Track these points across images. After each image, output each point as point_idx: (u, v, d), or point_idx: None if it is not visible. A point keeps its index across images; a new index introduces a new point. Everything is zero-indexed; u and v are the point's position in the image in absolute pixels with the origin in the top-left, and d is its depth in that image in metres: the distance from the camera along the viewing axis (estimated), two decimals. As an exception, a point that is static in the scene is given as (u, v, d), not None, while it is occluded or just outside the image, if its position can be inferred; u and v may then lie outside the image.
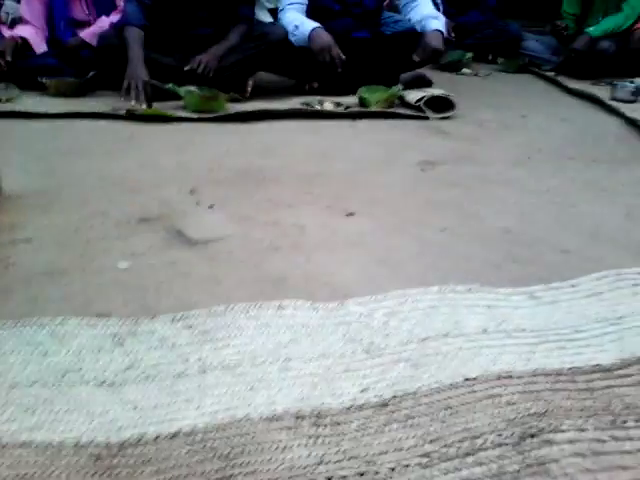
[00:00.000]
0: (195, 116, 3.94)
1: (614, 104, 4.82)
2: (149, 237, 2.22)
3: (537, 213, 2.68)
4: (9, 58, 4.36)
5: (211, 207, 2.54)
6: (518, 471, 1.23)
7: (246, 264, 2.07)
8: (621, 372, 1.61)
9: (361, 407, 1.38)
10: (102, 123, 3.84)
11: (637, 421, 1.41)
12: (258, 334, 1.64)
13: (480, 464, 1.24)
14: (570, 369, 1.60)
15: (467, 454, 1.26)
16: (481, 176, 3.15)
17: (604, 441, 1.36)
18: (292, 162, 3.23)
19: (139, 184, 2.76)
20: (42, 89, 4.33)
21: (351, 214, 2.56)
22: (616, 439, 1.36)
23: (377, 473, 1.18)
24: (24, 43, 4.57)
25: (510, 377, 1.53)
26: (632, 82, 5.09)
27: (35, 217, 2.33)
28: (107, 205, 2.49)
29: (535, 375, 1.55)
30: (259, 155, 3.32)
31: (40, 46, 4.67)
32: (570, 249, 2.31)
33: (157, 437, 1.23)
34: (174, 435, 1.23)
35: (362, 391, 1.45)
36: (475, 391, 1.47)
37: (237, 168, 3.08)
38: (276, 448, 1.23)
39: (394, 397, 1.43)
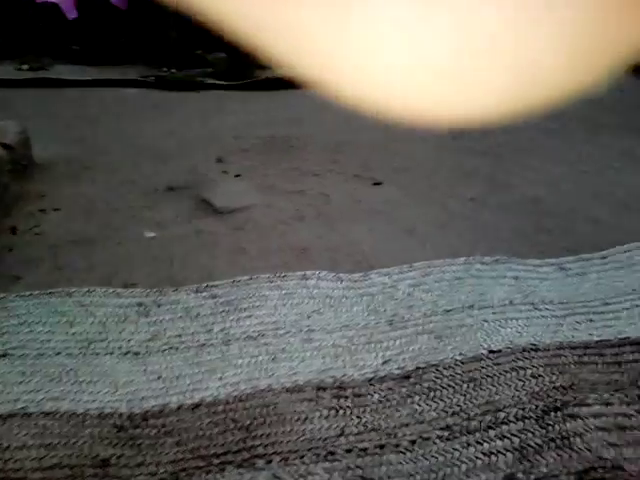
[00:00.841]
0: (223, 83, 3.91)
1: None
2: (176, 206, 2.23)
3: (568, 182, 2.61)
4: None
5: (238, 176, 2.54)
6: (541, 445, 1.21)
7: (270, 234, 2.06)
8: (651, 346, 1.58)
9: (383, 379, 1.38)
10: (131, 91, 3.85)
11: (665, 396, 1.39)
12: (281, 305, 1.64)
13: (502, 438, 1.23)
14: (598, 342, 1.57)
15: (489, 427, 1.25)
16: (512, 144, 3.07)
17: (631, 415, 1.33)
18: (319, 131, 3.19)
19: (166, 153, 2.77)
20: (72, 57, 4.34)
21: (377, 183, 2.53)
22: (643, 414, 1.34)
23: (397, 446, 1.18)
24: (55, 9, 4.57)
25: (536, 350, 1.50)
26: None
27: (64, 186, 2.36)
28: (134, 174, 2.51)
29: (561, 348, 1.53)
30: (286, 123, 3.29)
31: (71, 12, 4.66)
32: (601, 219, 2.25)
33: (179, 408, 1.24)
34: (196, 406, 1.25)
35: (384, 363, 1.44)
36: (499, 364, 1.45)
37: (264, 136, 3.06)
38: (297, 420, 1.23)
39: (416, 369, 1.42)
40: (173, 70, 4.03)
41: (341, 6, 0.14)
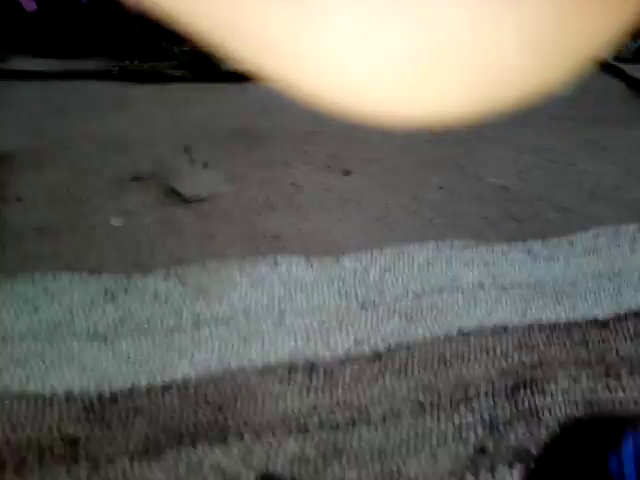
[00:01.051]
0: (189, 75, 3.87)
1: (616, 64, 4.74)
2: (142, 195, 2.19)
3: (536, 171, 2.65)
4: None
5: (205, 165, 2.51)
6: (510, 419, 1.23)
7: (240, 222, 2.05)
8: (616, 325, 1.61)
9: (355, 359, 1.38)
10: (94, 84, 3.78)
11: (630, 372, 1.41)
12: (252, 289, 1.63)
13: (472, 411, 1.24)
14: (566, 323, 1.60)
15: (459, 402, 1.26)
16: (480, 135, 3.10)
17: (597, 390, 1.36)
18: (288, 121, 3.18)
19: (132, 143, 2.72)
20: (33, 50, 4.25)
21: (347, 172, 2.53)
22: (609, 389, 1.36)
23: (369, 420, 1.17)
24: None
25: (505, 330, 1.52)
26: (635, 42, 5.00)
27: (26, 176, 2.30)
28: (99, 164, 2.46)
29: (531, 328, 1.55)
30: (254, 114, 3.27)
31: (30, 5, 4.57)
32: (569, 207, 2.28)
33: (149, 388, 1.22)
34: (167, 386, 1.23)
35: (356, 343, 1.44)
36: (469, 344, 1.46)
37: (232, 127, 3.03)
38: (269, 398, 1.22)
39: (388, 349, 1.42)
40: (137, 62, 3.97)
41: (303, 4, 0.14)
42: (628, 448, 0.59)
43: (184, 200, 2.17)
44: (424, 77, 0.15)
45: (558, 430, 0.67)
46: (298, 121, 3.21)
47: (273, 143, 2.83)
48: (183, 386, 1.23)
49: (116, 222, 1.96)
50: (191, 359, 1.33)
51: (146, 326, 1.44)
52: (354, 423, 1.16)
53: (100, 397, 1.18)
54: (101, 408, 1.15)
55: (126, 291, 1.56)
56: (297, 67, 0.16)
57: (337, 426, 1.15)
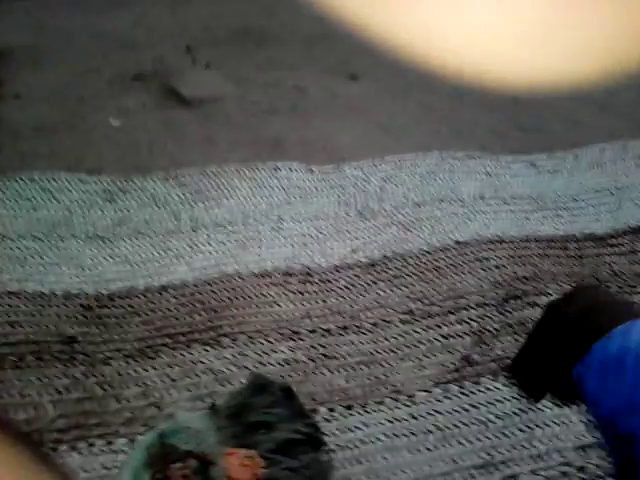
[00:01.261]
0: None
1: None
2: (143, 95, 2.15)
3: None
4: None
5: (207, 66, 2.44)
6: (498, 330, 1.26)
7: (242, 126, 2.01)
8: (613, 241, 1.61)
9: (350, 266, 1.40)
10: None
11: (621, 287, 1.43)
12: (251, 195, 1.62)
13: (461, 322, 1.27)
14: (563, 236, 1.60)
15: (450, 312, 1.29)
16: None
17: (588, 305, 1.38)
18: (295, 21, 3.05)
19: (133, 41, 2.64)
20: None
21: (354, 77, 2.45)
22: (600, 304, 1.39)
23: (360, 327, 1.21)
24: None
25: (501, 242, 1.53)
26: None
27: (24, 73, 2.25)
28: (100, 62, 2.39)
29: (527, 240, 1.55)
30: (260, 12, 3.13)
31: None
32: (579, 119, 2.23)
33: (147, 289, 1.25)
34: (163, 288, 1.26)
35: (352, 251, 1.46)
36: (465, 254, 1.47)
37: (236, 26, 2.92)
38: (264, 302, 1.25)
39: (383, 258, 1.44)
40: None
41: None
42: (596, 355, 0.60)
43: (185, 101, 2.13)
44: (551, 38, 0.16)
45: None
46: (306, 23, 3.08)
47: (279, 45, 2.73)
48: (180, 288, 1.26)
49: (115, 122, 1.94)
50: (188, 262, 1.35)
51: (145, 228, 1.45)
52: (345, 329, 1.19)
53: (98, 297, 1.21)
54: (99, 307, 1.18)
55: (125, 192, 1.57)
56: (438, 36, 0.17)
57: (329, 332, 1.18)
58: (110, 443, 0.99)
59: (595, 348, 0.59)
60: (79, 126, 1.90)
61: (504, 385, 1.13)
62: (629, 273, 1.48)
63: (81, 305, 1.17)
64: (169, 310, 1.20)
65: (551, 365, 0.67)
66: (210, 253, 1.39)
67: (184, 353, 1.09)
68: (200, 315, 1.19)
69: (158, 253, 1.37)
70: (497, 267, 1.43)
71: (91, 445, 0.99)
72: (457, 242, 1.50)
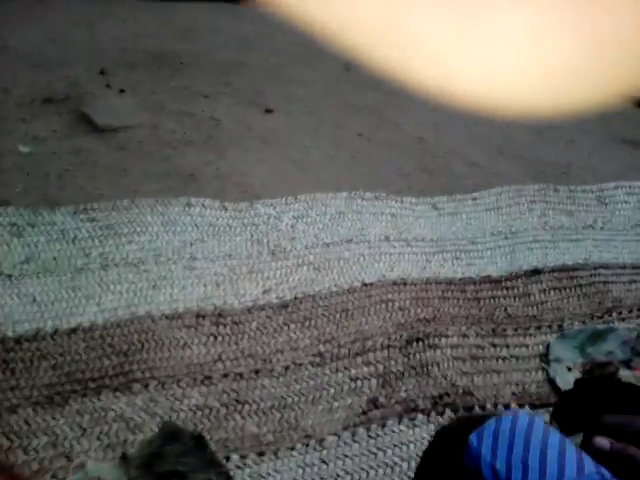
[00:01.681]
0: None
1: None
2: (54, 120, 2.10)
3: (452, 125, 2.72)
4: None
5: (122, 91, 2.41)
6: (402, 372, 1.33)
7: (156, 157, 2.01)
8: (508, 284, 1.74)
9: (262, 307, 1.44)
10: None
11: (516, 330, 1.55)
12: (164, 231, 1.63)
13: (368, 364, 1.33)
14: (461, 279, 1.71)
15: (357, 354, 1.35)
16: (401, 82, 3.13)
17: (484, 347, 1.49)
18: (212, 48, 3.07)
19: (46, 60, 2.56)
20: None
21: (269, 110, 2.51)
22: (494, 346, 1.49)
23: (272, 371, 1.25)
24: None
25: (404, 284, 1.62)
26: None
27: None
28: (9, 82, 2.31)
29: (428, 283, 1.65)
30: (178, 37, 3.13)
31: None
32: (478, 162, 2.38)
33: (55, 332, 1.23)
34: (72, 330, 1.25)
35: (264, 292, 1.49)
36: (371, 296, 1.55)
37: (153, 50, 2.90)
38: (176, 345, 1.27)
39: (295, 299, 1.49)
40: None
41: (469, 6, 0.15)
42: (490, 427, 0.66)
43: (97, 128, 2.10)
44: (589, 70, 0.18)
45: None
46: (223, 48, 3.11)
47: (194, 71, 2.74)
48: (89, 331, 1.25)
49: (24, 149, 1.88)
50: (98, 303, 1.34)
51: (53, 266, 1.42)
52: (257, 373, 1.22)
53: (3, 340, 1.18)
54: (5, 352, 1.15)
55: (33, 227, 1.53)
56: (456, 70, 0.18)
57: (241, 376, 1.21)
58: (13, 495, 0.97)
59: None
60: (-16, 152, 1.84)
61: (408, 427, 1.20)
62: (522, 315, 1.61)
63: (-15, 349, 1.14)
64: (78, 354, 1.18)
65: None
66: (121, 293, 1.38)
67: (94, 400, 1.09)
68: (110, 359, 1.19)
69: (67, 292, 1.35)
70: (400, 309, 1.51)
71: (-8, 497, 0.96)
72: (364, 284, 1.57)
